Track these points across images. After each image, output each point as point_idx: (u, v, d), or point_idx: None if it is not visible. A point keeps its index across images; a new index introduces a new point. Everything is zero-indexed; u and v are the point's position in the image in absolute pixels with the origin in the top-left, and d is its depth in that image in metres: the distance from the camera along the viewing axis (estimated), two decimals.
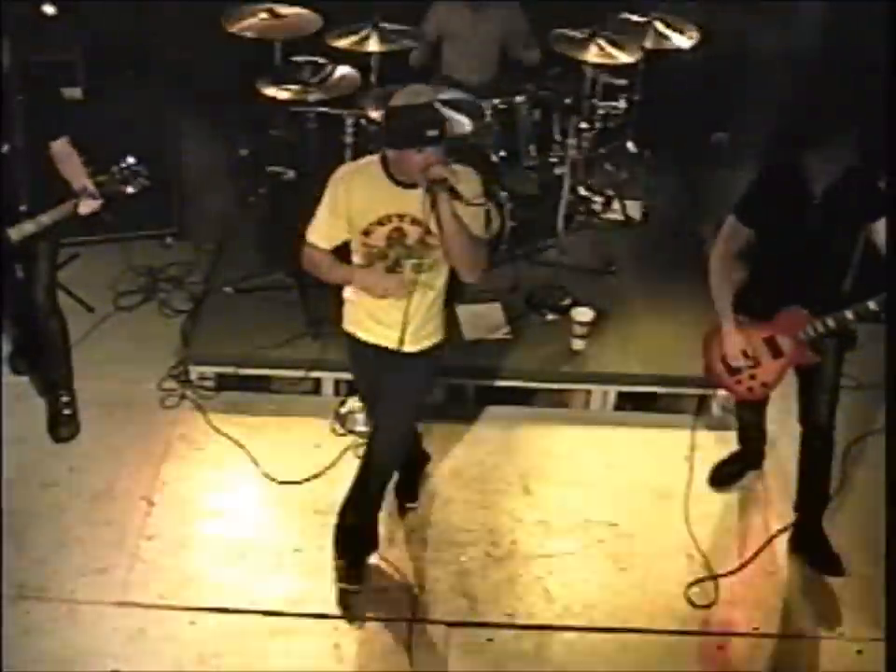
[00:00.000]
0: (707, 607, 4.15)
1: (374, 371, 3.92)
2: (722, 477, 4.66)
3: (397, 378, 3.85)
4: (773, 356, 4.13)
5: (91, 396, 4.92)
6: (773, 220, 3.92)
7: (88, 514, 4.43)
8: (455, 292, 4.24)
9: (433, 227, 3.52)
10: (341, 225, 3.64)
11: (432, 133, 3.42)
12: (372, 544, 4.18)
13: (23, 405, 4.86)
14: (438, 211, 3.45)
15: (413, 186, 3.52)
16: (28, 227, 4.23)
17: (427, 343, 3.84)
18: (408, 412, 3.99)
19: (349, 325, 3.92)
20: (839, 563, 4.22)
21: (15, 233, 4.22)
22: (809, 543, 4.30)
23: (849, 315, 3.88)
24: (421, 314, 3.74)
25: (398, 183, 3.56)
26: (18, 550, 4.22)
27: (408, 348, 3.76)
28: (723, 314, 4.13)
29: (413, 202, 3.53)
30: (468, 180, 3.53)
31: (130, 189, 4.29)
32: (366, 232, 3.62)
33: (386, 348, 3.78)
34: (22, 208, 4.25)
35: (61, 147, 4.33)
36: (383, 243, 3.62)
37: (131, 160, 4.26)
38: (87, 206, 4.26)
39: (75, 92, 5.65)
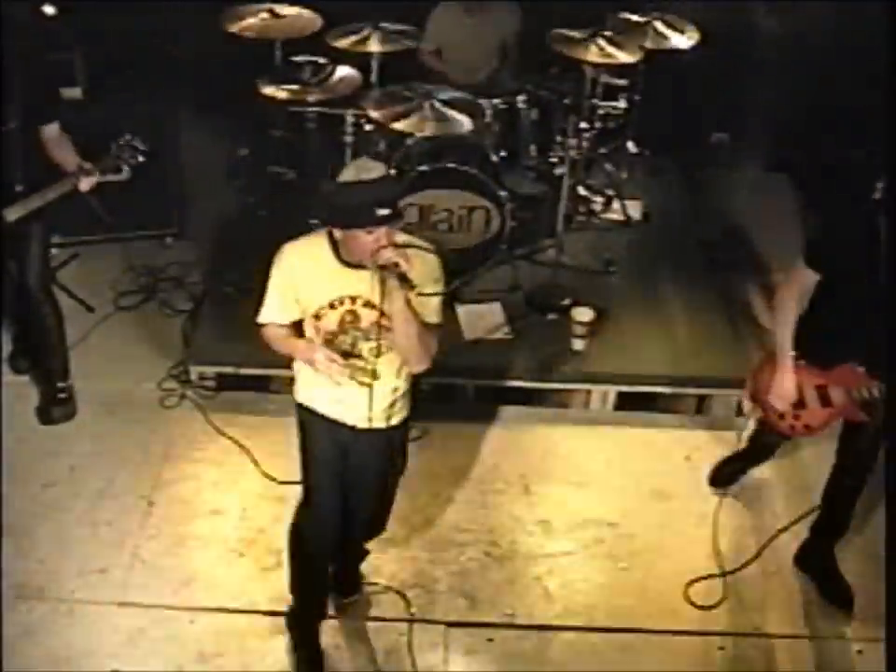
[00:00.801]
0: (707, 607, 4.15)
1: (334, 447, 3.59)
2: (723, 477, 4.65)
3: (366, 454, 3.58)
4: (822, 404, 3.95)
5: (91, 396, 4.93)
6: (840, 267, 3.71)
7: (88, 514, 4.43)
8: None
9: (387, 310, 3.26)
10: (291, 305, 3.40)
11: (383, 212, 3.11)
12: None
13: (23, 405, 4.86)
14: (387, 297, 3.18)
15: (364, 266, 3.23)
16: (18, 208, 4.22)
17: (397, 419, 3.57)
18: (385, 490, 3.76)
19: (304, 397, 3.62)
20: (850, 595, 4.19)
21: (12, 213, 4.22)
22: (820, 572, 4.25)
23: None
24: (386, 394, 3.47)
25: (347, 264, 3.27)
26: (18, 550, 4.22)
27: (377, 425, 3.51)
28: (783, 352, 3.90)
29: (366, 283, 3.26)
30: (424, 264, 3.23)
31: (126, 168, 4.29)
32: (316, 316, 3.36)
33: (351, 426, 3.53)
34: (18, 188, 4.25)
35: (52, 132, 4.33)
36: (335, 327, 3.36)
37: (128, 136, 4.28)
38: (86, 183, 4.26)
39: (75, 92, 5.65)
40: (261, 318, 3.47)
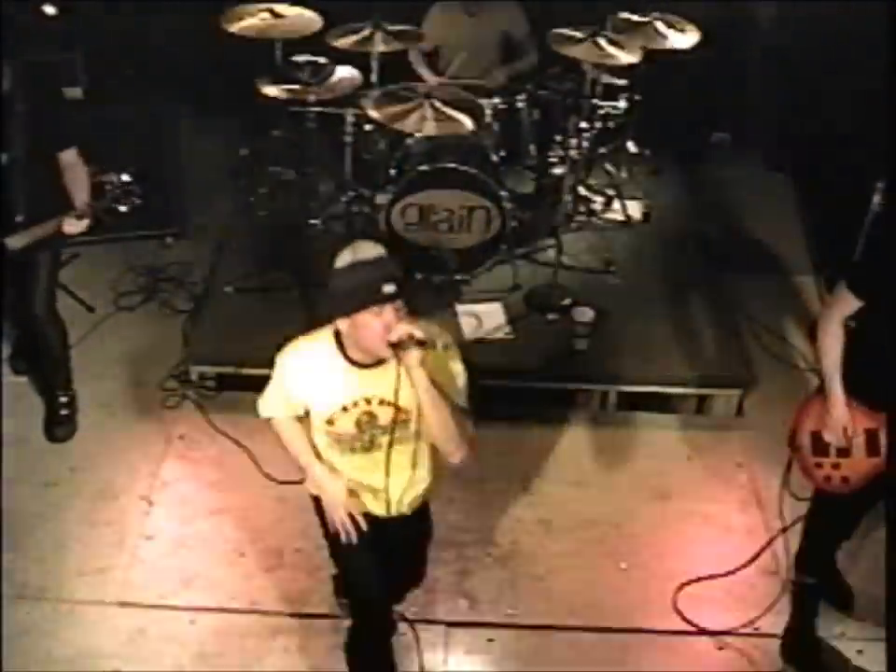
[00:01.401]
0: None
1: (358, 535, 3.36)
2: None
3: (394, 537, 3.42)
4: (868, 452, 3.57)
5: (91, 396, 4.93)
6: (890, 295, 3.33)
7: (88, 514, 4.43)
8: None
9: (404, 403, 3.08)
10: (297, 406, 3.24)
11: (389, 288, 2.91)
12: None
13: (23, 405, 4.86)
14: (411, 380, 2.95)
15: (375, 364, 3.06)
16: (21, 239, 4.20)
17: (418, 502, 3.41)
18: (419, 555, 3.71)
19: (315, 488, 3.41)
20: (850, 595, 4.16)
21: (12, 243, 4.19)
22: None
23: None
24: (403, 484, 3.31)
25: (357, 364, 3.08)
26: (18, 550, 4.22)
27: (395, 512, 3.36)
28: (832, 385, 3.51)
29: (379, 382, 3.07)
30: (438, 335, 3.06)
31: (123, 208, 4.21)
32: (329, 421, 3.16)
33: (375, 514, 3.37)
34: (19, 218, 4.22)
35: (70, 156, 4.31)
36: (352, 429, 3.16)
37: (125, 177, 4.19)
38: (71, 226, 4.21)
39: (75, 92, 5.66)
40: (263, 412, 3.33)
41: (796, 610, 4.00)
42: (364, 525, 3.31)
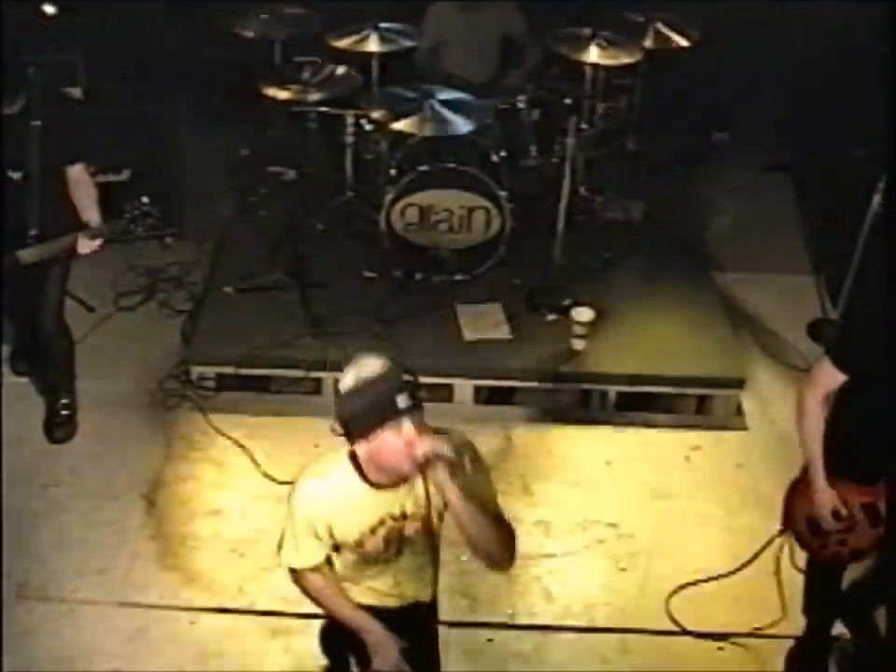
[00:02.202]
0: (707, 608, 4.15)
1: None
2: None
3: (409, 630, 3.18)
4: (871, 524, 3.45)
5: (92, 396, 4.93)
6: (875, 369, 3.22)
7: (88, 514, 4.43)
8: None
9: (433, 514, 2.93)
10: (323, 543, 2.97)
11: (405, 401, 2.70)
12: None
13: (23, 405, 4.86)
14: (444, 498, 2.80)
15: (396, 484, 2.87)
16: (33, 252, 4.19)
17: (430, 589, 3.25)
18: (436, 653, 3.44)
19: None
20: None
21: (24, 256, 4.17)
22: None
23: None
24: (416, 575, 3.17)
25: (377, 486, 2.87)
26: (18, 550, 4.22)
27: (417, 599, 3.20)
28: (814, 467, 3.40)
29: (403, 499, 2.90)
30: (461, 443, 2.88)
31: (140, 231, 4.16)
32: (359, 543, 2.95)
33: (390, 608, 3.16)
34: (33, 231, 4.21)
35: (78, 172, 4.31)
36: (382, 547, 2.97)
37: (144, 200, 4.14)
38: (85, 247, 4.21)
39: (75, 92, 5.65)
40: (290, 563, 3.02)
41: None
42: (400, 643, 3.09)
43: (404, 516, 2.93)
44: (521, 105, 5.55)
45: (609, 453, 4.85)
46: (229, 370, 5.03)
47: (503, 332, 5.19)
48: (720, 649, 4.06)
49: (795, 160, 6.49)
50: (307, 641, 3.97)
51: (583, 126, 5.54)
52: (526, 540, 4.42)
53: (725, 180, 6.51)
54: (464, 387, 5.06)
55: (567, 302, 5.28)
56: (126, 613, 4.06)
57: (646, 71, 5.75)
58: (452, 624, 4.07)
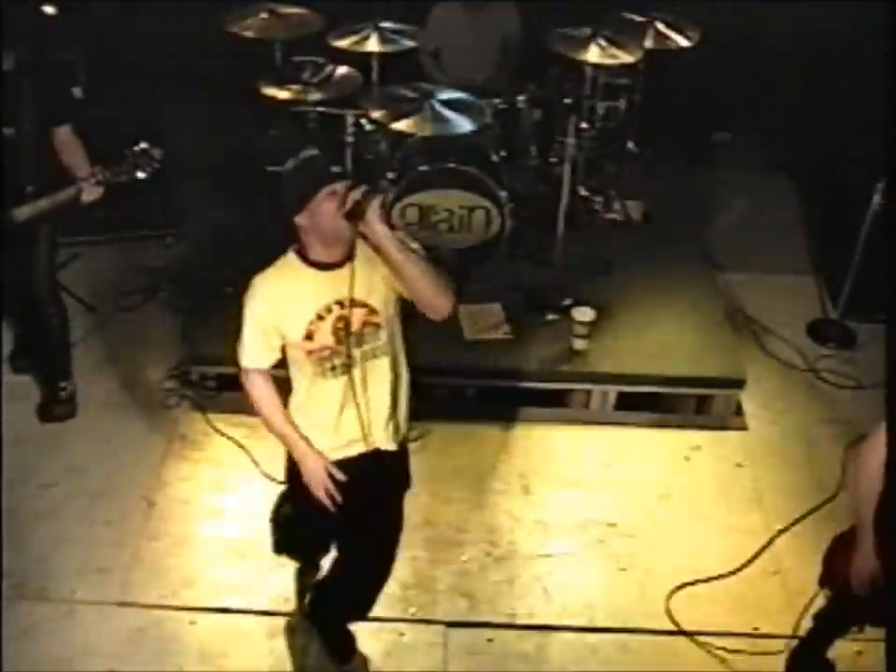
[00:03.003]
0: (707, 608, 4.15)
1: (339, 487, 3.33)
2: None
3: (375, 485, 3.38)
4: None
5: (91, 396, 4.93)
6: None
7: (88, 514, 4.43)
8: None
9: (373, 302, 3.20)
10: (275, 341, 3.28)
11: (336, 168, 3.15)
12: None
13: (23, 405, 4.86)
14: (378, 243, 3.05)
15: (338, 264, 3.17)
16: (27, 210, 4.22)
17: (397, 436, 3.41)
18: (399, 520, 3.53)
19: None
20: None
21: (20, 214, 4.22)
22: None
23: None
24: (383, 414, 3.34)
25: (322, 266, 3.19)
26: (18, 550, 4.22)
27: (382, 446, 3.37)
28: (864, 530, 3.34)
29: (345, 281, 3.16)
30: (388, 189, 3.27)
31: (142, 174, 4.24)
32: (308, 336, 3.21)
33: (355, 456, 3.36)
34: (29, 188, 4.24)
35: (65, 135, 4.33)
36: (331, 339, 3.20)
37: (144, 144, 4.23)
38: (90, 193, 4.24)
39: (75, 92, 5.65)
40: (242, 360, 3.35)
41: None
42: (341, 476, 3.30)
43: (349, 302, 3.16)
44: (521, 105, 5.54)
45: (609, 453, 4.85)
46: (229, 370, 5.01)
47: (503, 332, 5.19)
48: (719, 648, 4.05)
49: (795, 160, 6.49)
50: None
51: (583, 126, 5.54)
52: (526, 540, 4.43)
53: (725, 180, 6.52)
54: (465, 387, 5.06)
55: (567, 302, 5.28)
56: (126, 613, 4.05)
57: (646, 71, 5.74)
58: (452, 624, 4.08)
